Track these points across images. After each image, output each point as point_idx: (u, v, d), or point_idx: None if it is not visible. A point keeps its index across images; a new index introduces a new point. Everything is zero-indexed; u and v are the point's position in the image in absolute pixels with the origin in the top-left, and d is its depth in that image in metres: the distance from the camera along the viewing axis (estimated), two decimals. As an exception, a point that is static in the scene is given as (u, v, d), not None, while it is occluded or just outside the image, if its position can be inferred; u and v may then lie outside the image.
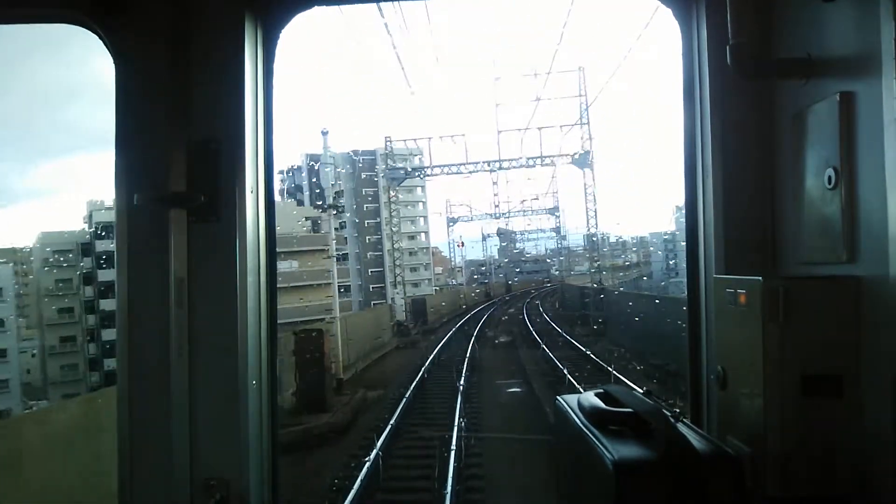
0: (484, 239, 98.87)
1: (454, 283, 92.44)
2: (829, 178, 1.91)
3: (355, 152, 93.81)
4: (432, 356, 30.33)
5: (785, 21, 2.18)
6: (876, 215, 1.74)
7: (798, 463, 1.90)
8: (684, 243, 2.61)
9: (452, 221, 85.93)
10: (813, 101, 2.02)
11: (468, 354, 29.65)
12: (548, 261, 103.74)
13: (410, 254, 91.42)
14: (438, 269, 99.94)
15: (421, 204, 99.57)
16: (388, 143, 55.59)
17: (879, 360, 1.78)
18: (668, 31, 2.50)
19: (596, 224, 55.54)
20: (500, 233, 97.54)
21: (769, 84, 2.29)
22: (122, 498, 2.27)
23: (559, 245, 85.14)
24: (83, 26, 2.33)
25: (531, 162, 49.48)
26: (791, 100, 2.16)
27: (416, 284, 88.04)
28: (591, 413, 1.97)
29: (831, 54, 1.96)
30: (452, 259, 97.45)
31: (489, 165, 50.58)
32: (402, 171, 53.96)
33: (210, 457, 2.23)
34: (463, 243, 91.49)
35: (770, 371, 1.92)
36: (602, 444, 1.79)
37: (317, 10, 2.59)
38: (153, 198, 2.19)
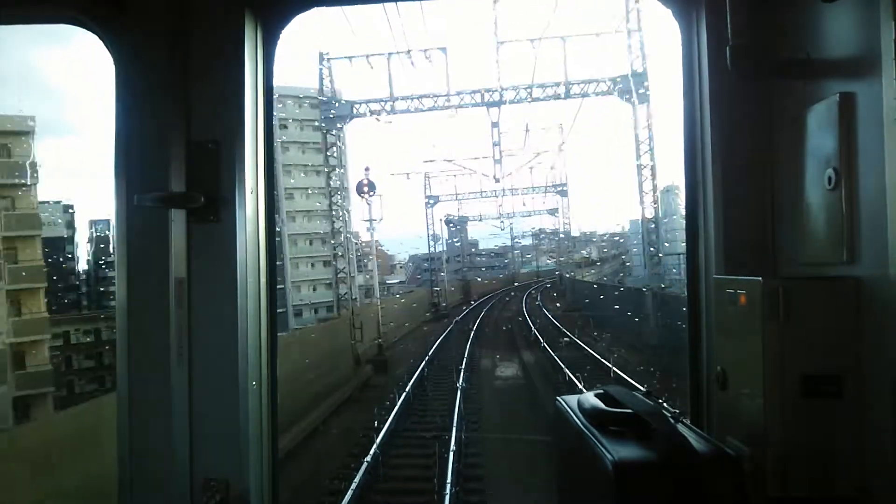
0: (429, 206, 60.66)
1: (392, 282, 56.45)
2: (829, 178, 1.91)
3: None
4: None
5: (785, 21, 2.18)
6: (876, 215, 1.74)
7: (798, 463, 1.90)
8: (684, 244, 2.61)
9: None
10: (813, 102, 2.02)
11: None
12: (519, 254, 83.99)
13: (318, 241, 61.58)
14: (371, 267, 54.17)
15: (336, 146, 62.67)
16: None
17: (879, 360, 1.78)
18: (668, 31, 2.41)
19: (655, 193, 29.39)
20: (449, 222, 69.42)
21: (769, 84, 2.29)
22: (121, 498, 2.27)
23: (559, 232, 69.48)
24: (83, 26, 2.33)
25: (551, 92, 28.72)
26: (791, 100, 2.16)
27: (326, 285, 58.70)
28: (591, 413, 1.97)
29: (831, 55, 1.96)
30: (349, 235, 36.31)
31: (483, 96, 29.62)
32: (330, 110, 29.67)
33: (210, 457, 2.22)
34: (368, 185, 37.18)
35: (770, 371, 1.92)
36: (602, 444, 1.79)
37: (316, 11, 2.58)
38: (153, 198, 2.19)
